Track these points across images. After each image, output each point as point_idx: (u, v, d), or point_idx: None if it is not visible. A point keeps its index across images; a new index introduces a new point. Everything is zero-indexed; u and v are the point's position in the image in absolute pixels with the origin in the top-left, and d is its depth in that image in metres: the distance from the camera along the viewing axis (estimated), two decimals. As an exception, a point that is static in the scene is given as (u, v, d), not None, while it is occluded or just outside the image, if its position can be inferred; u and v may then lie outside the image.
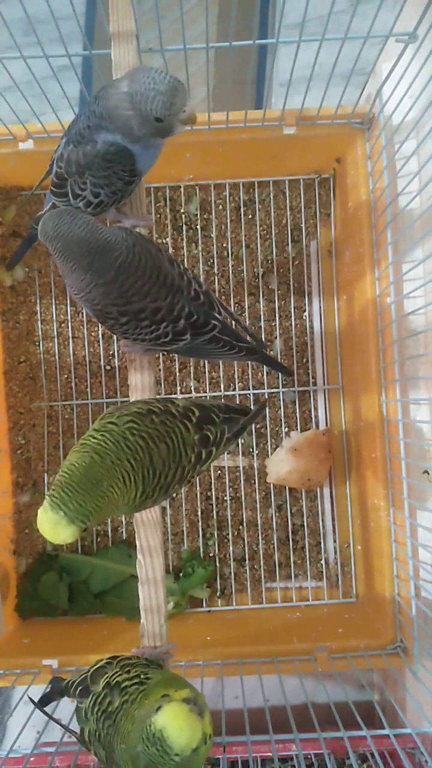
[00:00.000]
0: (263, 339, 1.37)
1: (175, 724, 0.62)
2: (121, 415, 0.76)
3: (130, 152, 0.82)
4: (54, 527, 0.65)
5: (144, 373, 0.95)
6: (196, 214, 1.37)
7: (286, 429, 1.37)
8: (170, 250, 1.37)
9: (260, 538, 1.35)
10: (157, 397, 0.91)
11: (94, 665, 0.81)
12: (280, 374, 1.37)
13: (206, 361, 1.37)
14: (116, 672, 0.77)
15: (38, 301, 1.37)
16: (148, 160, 0.85)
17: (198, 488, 1.36)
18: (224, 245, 1.37)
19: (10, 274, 1.35)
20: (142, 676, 0.74)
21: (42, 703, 0.89)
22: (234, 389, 1.37)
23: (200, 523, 1.35)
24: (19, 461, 1.36)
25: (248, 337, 0.96)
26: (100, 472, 0.68)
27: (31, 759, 1.00)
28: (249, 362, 1.36)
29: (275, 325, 1.37)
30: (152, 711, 0.65)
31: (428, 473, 1.03)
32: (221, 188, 1.37)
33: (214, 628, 1.25)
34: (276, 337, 1.37)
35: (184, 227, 1.37)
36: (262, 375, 1.37)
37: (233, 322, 0.96)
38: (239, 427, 0.87)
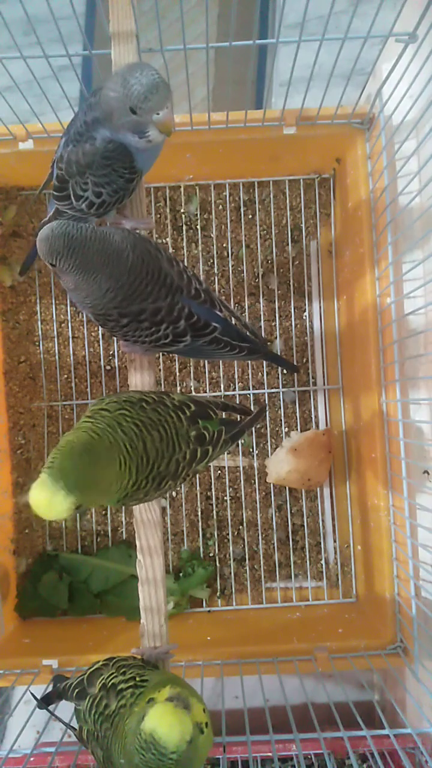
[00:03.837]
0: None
1: (163, 723, 0.62)
2: (111, 401, 0.76)
3: (128, 149, 0.82)
4: (51, 498, 0.61)
5: (144, 373, 0.95)
6: (196, 214, 1.37)
7: (286, 429, 1.37)
8: (170, 250, 1.37)
9: (260, 538, 1.35)
10: (153, 390, 0.91)
11: (91, 667, 0.81)
12: (280, 374, 1.37)
13: (206, 361, 1.37)
14: (112, 673, 0.76)
15: (38, 301, 1.37)
16: (147, 159, 0.85)
17: (198, 488, 1.36)
18: (224, 245, 1.37)
19: (10, 274, 1.35)
20: (137, 679, 0.74)
21: (42, 702, 0.89)
22: (234, 389, 1.37)
23: (200, 523, 1.35)
24: (19, 461, 1.36)
25: (249, 334, 0.96)
26: (100, 450, 0.67)
27: (31, 759, 1.00)
28: (249, 362, 1.36)
29: (275, 325, 1.37)
30: (140, 720, 0.65)
31: (428, 473, 1.03)
32: (221, 188, 1.37)
33: (214, 628, 1.25)
34: (276, 337, 1.37)
35: (184, 227, 1.37)
36: (262, 375, 1.37)
37: (234, 321, 0.95)
38: (237, 429, 0.87)
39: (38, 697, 0.90)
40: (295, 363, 1.37)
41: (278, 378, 1.37)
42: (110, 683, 0.74)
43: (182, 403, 0.81)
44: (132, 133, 0.78)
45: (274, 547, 1.35)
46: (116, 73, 0.78)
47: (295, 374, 1.37)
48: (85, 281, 0.76)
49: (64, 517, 0.63)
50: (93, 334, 1.37)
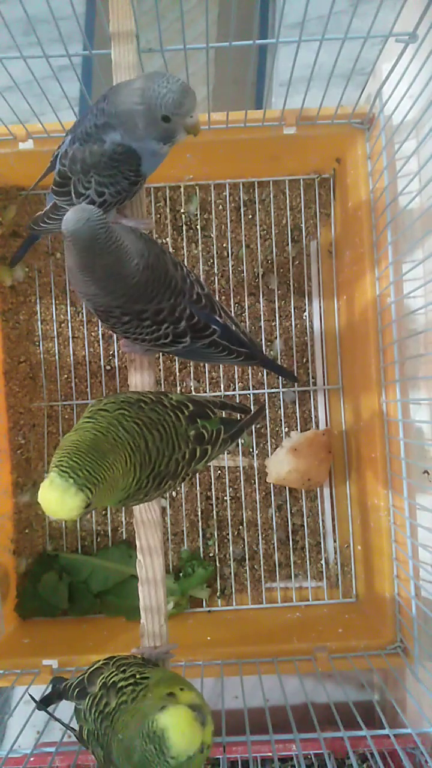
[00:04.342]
0: (263, 339, 1.37)
1: (178, 727, 0.62)
2: (109, 402, 0.76)
3: (137, 153, 0.82)
4: (62, 496, 0.61)
5: (144, 373, 0.95)
6: (196, 214, 1.37)
7: (286, 429, 1.37)
8: (170, 250, 1.37)
9: (260, 538, 1.35)
10: (151, 391, 0.91)
11: (92, 666, 0.81)
12: (280, 375, 1.37)
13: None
14: (112, 672, 0.77)
15: (38, 301, 1.37)
16: (153, 164, 0.85)
17: (198, 488, 1.36)
18: (224, 245, 1.37)
19: (10, 274, 1.35)
20: (137, 676, 0.74)
21: (42, 704, 0.89)
22: (234, 389, 1.37)
23: (200, 523, 1.35)
24: (19, 461, 1.36)
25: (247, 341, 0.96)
26: (106, 446, 0.67)
27: (31, 759, 1.00)
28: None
29: (275, 325, 1.37)
30: (156, 709, 0.65)
31: (428, 473, 1.03)
32: (221, 188, 1.37)
33: (214, 628, 1.25)
34: (276, 337, 1.37)
35: (184, 227, 1.37)
36: (262, 375, 1.37)
37: (234, 327, 0.96)
38: (236, 428, 0.87)
39: (37, 699, 0.90)
40: (295, 363, 1.37)
41: (278, 378, 1.37)
42: (110, 682, 0.75)
43: (180, 403, 0.81)
44: (157, 141, 0.79)
45: (274, 547, 1.35)
46: (128, 86, 0.77)
47: (295, 373, 1.37)
48: (82, 280, 0.76)
49: (75, 516, 0.62)
50: (93, 334, 1.37)
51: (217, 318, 0.89)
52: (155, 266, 0.80)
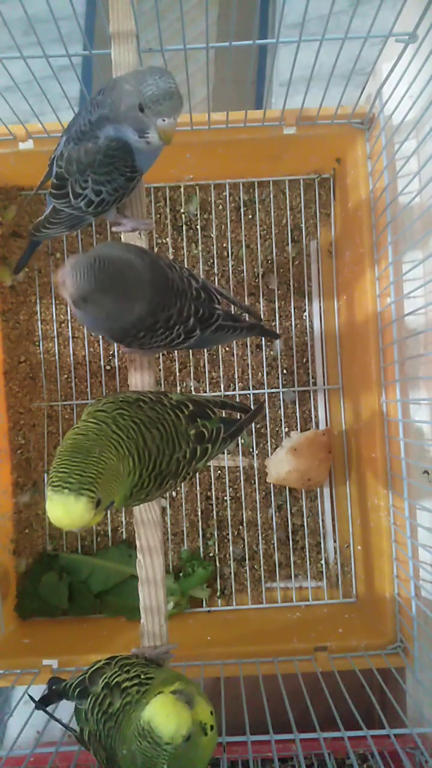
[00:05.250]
0: (263, 339, 1.37)
1: (161, 713, 0.63)
2: (108, 402, 0.75)
3: (131, 148, 0.82)
4: (65, 508, 0.61)
5: (144, 373, 0.95)
6: (196, 214, 1.37)
7: (286, 429, 1.37)
8: (170, 250, 1.37)
9: (260, 538, 1.35)
10: (151, 391, 0.92)
11: (93, 666, 0.81)
12: (280, 375, 1.37)
13: (206, 361, 1.37)
14: (115, 672, 0.76)
15: (38, 301, 1.37)
16: (146, 159, 0.85)
17: (198, 488, 1.36)
18: (224, 245, 1.37)
19: (10, 274, 1.35)
20: (142, 676, 0.74)
21: (41, 704, 0.89)
22: (234, 389, 1.37)
23: (200, 523, 1.35)
24: (19, 461, 1.36)
25: (246, 316, 1.01)
26: (87, 444, 0.66)
27: (31, 759, 1.00)
28: (250, 362, 1.37)
29: (275, 325, 1.37)
30: (143, 709, 0.65)
31: (428, 473, 1.03)
32: (221, 188, 1.37)
33: (214, 628, 1.25)
34: (276, 337, 1.37)
35: (184, 227, 1.37)
36: (262, 375, 1.37)
37: (232, 306, 1.02)
38: (236, 427, 0.88)
39: (37, 699, 0.90)
40: (295, 363, 1.38)
41: (278, 378, 1.37)
42: (114, 682, 0.74)
43: (180, 403, 0.81)
44: (133, 130, 0.79)
45: (274, 547, 1.35)
46: (137, 70, 0.78)
47: (295, 373, 1.37)
48: (105, 329, 0.80)
49: (89, 519, 0.62)
50: (93, 334, 1.37)
51: (217, 306, 0.92)
52: (158, 278, 0.81)
